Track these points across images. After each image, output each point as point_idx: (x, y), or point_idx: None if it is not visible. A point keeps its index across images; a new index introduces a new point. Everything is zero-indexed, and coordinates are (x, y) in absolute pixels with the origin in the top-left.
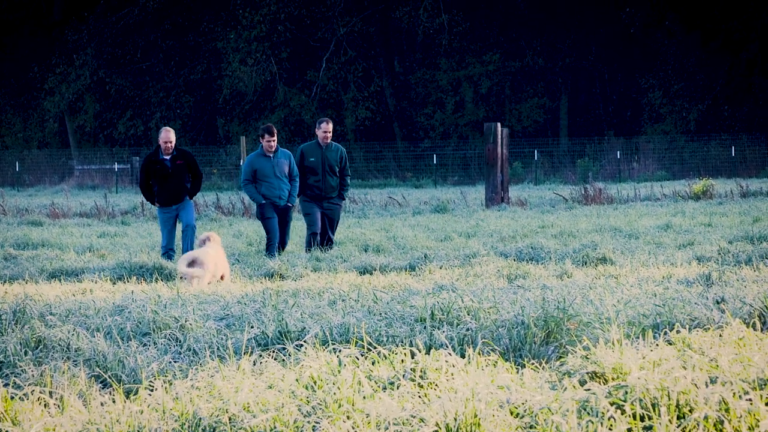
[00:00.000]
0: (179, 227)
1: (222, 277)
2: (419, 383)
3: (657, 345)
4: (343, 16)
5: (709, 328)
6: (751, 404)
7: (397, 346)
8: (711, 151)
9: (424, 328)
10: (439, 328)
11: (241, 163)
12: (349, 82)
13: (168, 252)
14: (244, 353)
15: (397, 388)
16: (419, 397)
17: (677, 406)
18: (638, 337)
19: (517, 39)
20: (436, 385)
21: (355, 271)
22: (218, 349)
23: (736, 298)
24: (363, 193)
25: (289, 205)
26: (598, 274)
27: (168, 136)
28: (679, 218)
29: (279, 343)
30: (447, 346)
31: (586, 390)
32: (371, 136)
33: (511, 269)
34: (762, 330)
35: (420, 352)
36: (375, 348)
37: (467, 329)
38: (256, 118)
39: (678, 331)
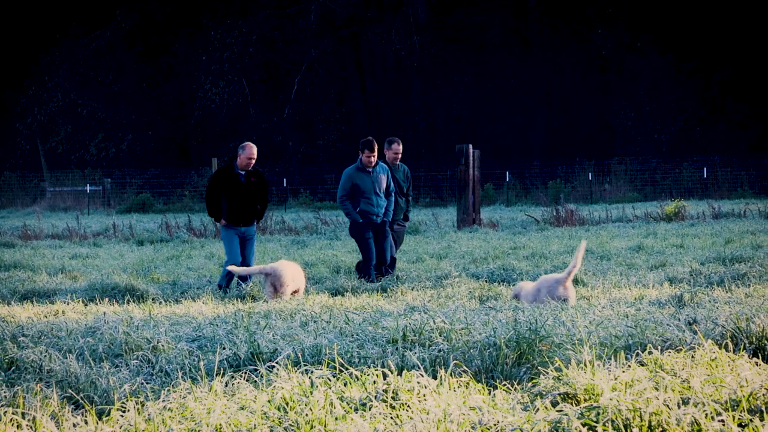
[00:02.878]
0: None
1: (297, 291)
2: (391, 404)
3: (629, 366)
4: (314, 38)
5: (681, 350)
6: (723, 425)
7: (369, 367)
8: (683, 172)
9: (396, 349)
10: (411, 350)
11: None
12: (321, 104)
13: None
14: (217, 374)
15: (369, 409)
16: (391, 418)
17: (649, 427)
18: (610, 359)
19: (488, 60)
20: (408, 406)
21: (326, 293)
22: (190, 370)
23: (708, 319)
24: (334, 215)
25: (386, 220)
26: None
27: (253, 152)
28: (650, 240)
29: (251, 365)
30: (419, 367)
31: (558, 411)
32: (343, 158)
33: (483, 290)
34: (734, 351)
35: (392, 373)
36: (347, 369)
37: (439, 350)
38: (228, 139)
39: (650, 353)
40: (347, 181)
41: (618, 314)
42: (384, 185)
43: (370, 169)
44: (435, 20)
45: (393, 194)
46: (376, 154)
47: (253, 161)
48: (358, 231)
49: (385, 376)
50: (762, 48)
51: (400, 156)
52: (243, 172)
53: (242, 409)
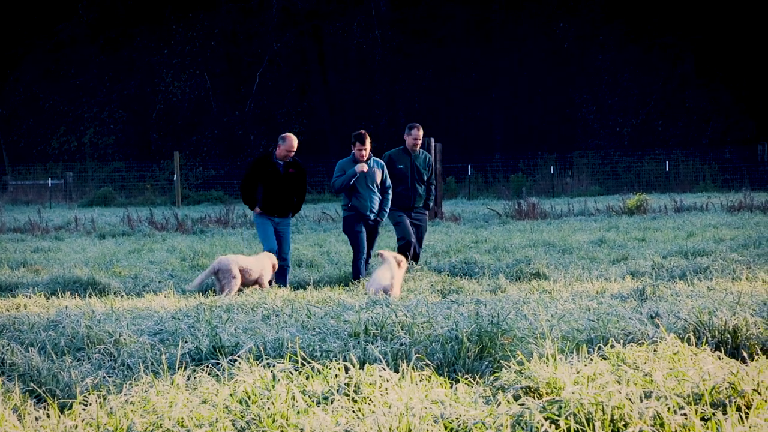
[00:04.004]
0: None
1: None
2: (353, 398)
3: (591, 360)
4: (276, 32)
5: (643, 343)
6: (685, 419)
7: (331, 360)
8: (645, 166)
9: (358, 342)
10: (373, 343)
11: (175, 178)
12: (283, 98)
13: (282, 267)
14: (179, 368)
15: (331, 402)
16: (353, 411)
17: (612, 420)
18: (572, 352)
19: (450, 53)
20: (371, 399)
21: (288, 286)
22: (152, 364)
23: (670, 312)
24: None
25: (379, 220)
26: (531, 288)
27: (293, 144)
28: (612, 233)
29: (213, 358)
30: (381, 361)
31: (520, 405)
32: (305, 152)
33: (445, 284)
34: (697, 345)
35: (354, 366)
36: (309, 363)
37: (401, 344)
38: (190, 133)
39: (612, 346)
40: (340, 169)
41: (580, 308)
42: (378, 180)
43: (363, 162)
44: (397, 14)
45: (389, 192)
46: (367, 147)
47: (293, 153)
48: (349, 225)
49: (347, 369)
50: (722, 41)
51: (420, 142)
52: (281, 162)
53: (204, 402)
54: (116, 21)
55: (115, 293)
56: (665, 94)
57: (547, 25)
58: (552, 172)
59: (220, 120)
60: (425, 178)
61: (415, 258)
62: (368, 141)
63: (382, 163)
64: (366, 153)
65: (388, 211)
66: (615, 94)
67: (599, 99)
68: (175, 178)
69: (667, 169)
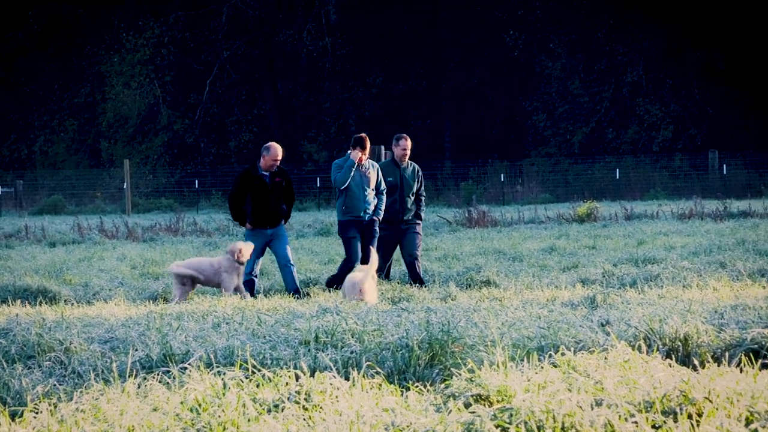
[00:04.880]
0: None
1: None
2: (304, 406)
3: (542, 367)
4: (226, 40)
5: (594, 351)
6: (636, 427)
7: (282, 368)
8: (595, 173)
9: (309, 350)
10: (323, 351)
11: (125, 186)
12: (233, 106)
13: (251, 280)
14: (129, 376)
15: (282, 410)
16: (304, 420)
17: (563, 428)
18: (523, 360)
19: (400, 62)
20: (321, 407)
21: (239, 294)
22: (103, 371)
23: (621, 320)
24: None
25: (375, 219)
26: (482, 296)
27: (278, 154)
28: (563, 241)
29: (163, 366)
30: (332, 369)
31: (471, 412)
32: (255, 159)
33: (395, 292)
34: (648, 352)
35: (305, 374)
36: (260, 371)
37: (352, 352)
38: (140, 141)
39: (563, 354)
40: (337, 168)
41: (530, 315)
42: (373, 182)
43: (360, 165)
44: (347, 22)
45: (384, 193)
46: (367, 151)
47: (278, 163)
48: (343, 230)
49: (297, 377)
50: (672, 48)
51: (408, 153)
52: (267, 173)
53: (155, 410)
54: (66, 29)
55: (65, 301)
56: (615, 101)
57: (496, 33)
58: (502, 179)
59: (170, 128)
60: (414, 190)
61: (413, 268)
62: (368, 145)
63: (377, 165)
64: (365, 157)
65: (383, 211)
66: (565, 102)
67: (549, 107)
68: (125, 186)
69: (617, 177)
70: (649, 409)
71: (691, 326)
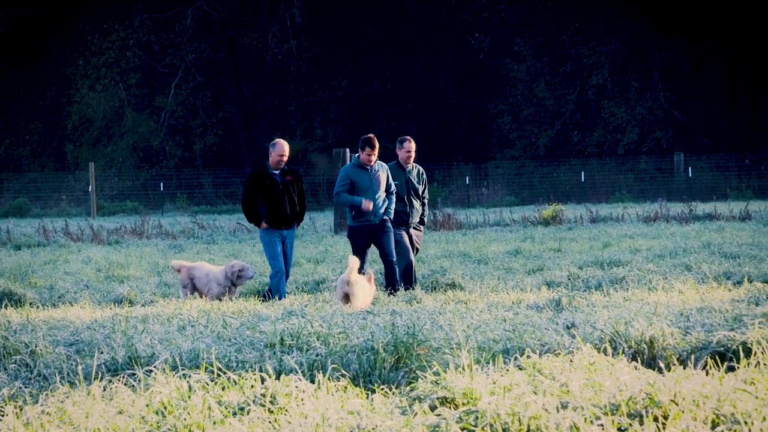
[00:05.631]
0: None
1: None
2: (269, 408)
3: (507, 370)
4: (191, 43)
5: (559, 354)
6: (602, 429)
7: (247, 371)
8: (560, 176)
9: (274, 353)
10: (288, 354)
11: (90, 189)
12: (198, 108)
13: (280, 276)
14: (95, 379)
15: (248, 413)
16: (269, 422)
17: (528, 431)
18: (489, 363)
19: (365, 64)
20: (287, 410)
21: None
22: (68, 374)
23: (586, 323)
24: (212, 219)
25: (385, 218)
26: (447, 299)
27: (283, 149)
28: (528, 244)
29: (129, 369)
30: (297, 372)
31: (436, 415)
32: (220, 162)
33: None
34: (613, 355)
35: (270, 377)
36: (225, 373)
37: (317, 354)
38: (105, 144)
39: (528, 357)
40: (344, 179)
41: (496, 318)
42: (383, 184)
43: (369, 167)
44: (311, 24)
45: (393, 194)
46: (376, 152)
47: (285, 158)
48: (354, 236)
49: (263, 380)
50: (637, 51)
51: (413, 155)
52: (277, 172)
53: (120, 413)
54: (31, 32)
55: (30, 304)
56: (580, 104)
57: (461, 35)
58: (467, 182)
59: (135, 131)
60: (420, 192)
61: (409, 272)
62: (377, 146)
63: (386, 165)
64: (374, 158)
65: (393, 210)
66: (530, 105)
67: (514, 109)
68: (90, 189)
69: (582, 180)
70: (614, 411)
71: (656, 329)
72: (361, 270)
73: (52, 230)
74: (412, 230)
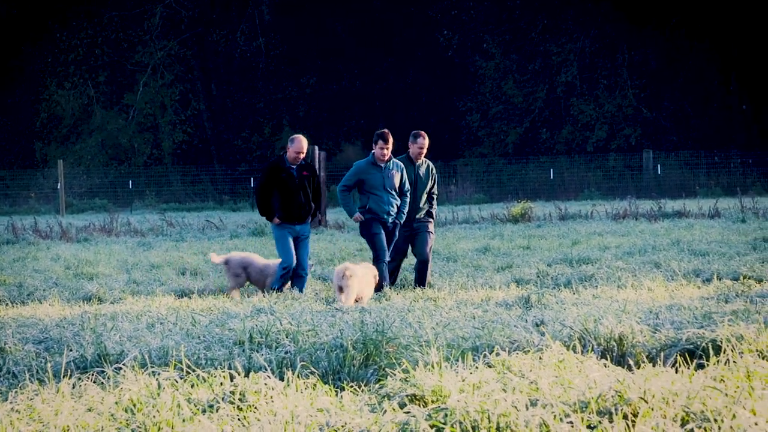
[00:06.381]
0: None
1: (360, 298)
2: (239, 406)
3: (477, 368)
4: (160, 40)
5: (529, 351)
6: (572, 427)
7: (216, 368)
8: (529, 174)
9: (243, 350)
10: (258, 351)
11: (59, 187)
12: (167, 106)
13: (289, 270)
14: (64, 376)
15: (217, 410)
16: (239, 420)
17: (498, 428)
18: (458, 360)
19: (334, 62)
20: (256, 408)
21: (173, 295)
22: (38, 372)
23: (555, 320)
24: (180, 216)
25: (397, 222)
26: (416, 297)
27: (302, 146)
28: (497, 241)
29: (98, 366)
30: (266, 369)
31: (405, 413)
32: (189, 160)
33: (330, 292)
34: (583, 353)
35: (239, 374)
36: (194, 371)
37: (286, 352)
38: (74, 141)
39: (498, 354)
40: (354, 175)
41: (465, 316)
42: (397, 183)
43: (382, 164)
44: (280, 22)
45: (408, 194)
46: (390, 147)
47: (302, 155)
48: (366, 228)
49: (232, 377)
50: (606, 48)
51: (425, 151)
52: (294, 166)
53: (90, 410)
54: (0, 30)
55: None
56: (549, 101)
57: (430, 33)
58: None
59: (104, 128)
60: (428, 188)
61: (424, 268)
62: (391, 140)
63: (402, 165)
64: (388, 153)
65: (405, 213)
66: (499, 102)
67: (483, 107)
68: (59, 187)
69: (551, 177)
70: (584, 409)
71: (626, 326)
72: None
73: (21, 228)
74: (417, 225)
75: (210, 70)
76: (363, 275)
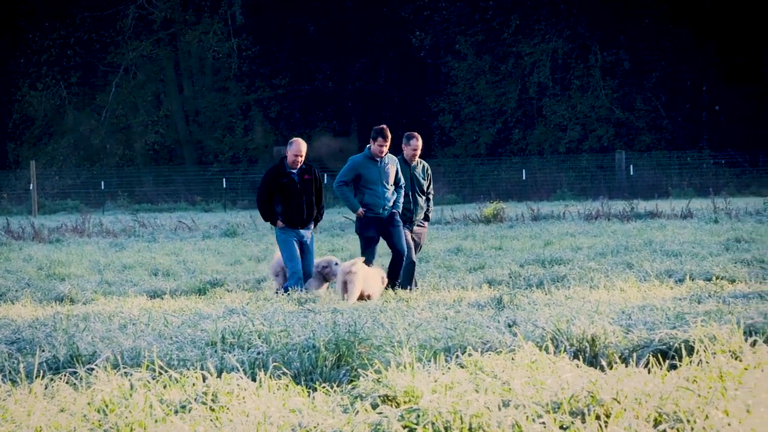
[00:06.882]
0: None
1: (369, 296)
2: (211, 407)
3: (449, 368)
4: (132, 41)
5: (501, 352)
6: (544, 427)
7: (189, 369)
8: (502, 174)
9: (216, 351)
10: (230, 352)
11: (31, 188)
12: (139, 106)
13: (297, 278)
14: (36, 377)
15: (189, 411)
16: (211, 420)
17: (470, 429)
18: (430, 361)
19: (306, 63)
20: (228, 408)
21: (145, 295)
22: (10, 372)
23: (528, 321)
24: (153, 217)
25: (394, 211)
26: (388, 297)
27: (300, 148)
28: (469, 242)
29: (71, 367)
30: (238, 370)
31: (378, 413)
32: (161, 161)
33: (302, 293)
34: (555, 353)
35: (211, 375)
36: (166, 371)
37: (258, 353)
38: (46, 142)
39: (470, 355)
40: (351, 170)
41: (437, 316)
42: (392, 177)
43: (379, 159)
44: (252, 23)
45: (402, 188)
46: (388, 144)
47: (302, 158)
48: (363, 228)
49: (204, 378)
50: (577, 49)
51: (419, 152)
52: (295, 171)
53: (62, 411)
54: None
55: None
56: (522, 102)
57: (402, 34)
58: None
59: (76, 129)
60: (425, 188)
61: (411, 272)
62: (390, 137)
63: (395, 159)
64: (386, 150)
65: (401, 204)
66: (471, 103)
67: (455, 107)
68: (31, 188)
69: (524, 178)
70: (556, 409)
71: (598, 327)
72: (369, 264)
73: None
74: (415, 227)
75: (182, 70)
76: (370, 274)
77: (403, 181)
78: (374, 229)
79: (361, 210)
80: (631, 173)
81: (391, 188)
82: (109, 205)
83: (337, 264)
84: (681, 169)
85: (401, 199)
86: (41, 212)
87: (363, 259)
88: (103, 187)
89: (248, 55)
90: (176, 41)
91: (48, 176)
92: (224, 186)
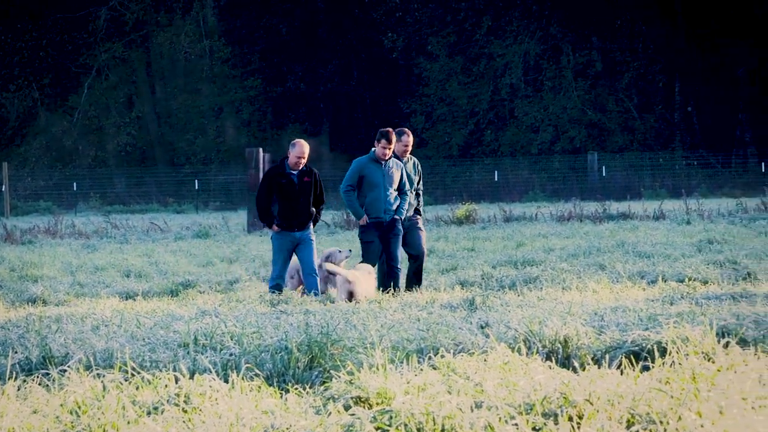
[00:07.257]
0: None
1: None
2: (184, 408)
3: (422, 370)
4: (104, 42)
5: (474, 353)
6: (517, 429)
7: (161, 371)
8: (474, 175)
9: (188, 353)
10: (202, 353)
11: (3, 189)
12: (111, 108)
13: (278, 284)
14: (9, 378)
15: (162, 413)
16: (184, 422)
17: (443, 430)
18: (403, 362)
19: (278, 64)
20: (201, 410)
21: (117, 297)
22: None
23: (500, 322)
24: (124, 218)
25: (396, 217)
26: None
27: (303, 150)
28: (442, 243)
29: (43, 369)
30: (211, 371)
31: (351, 415)
32: (133, 162)
33: (274, 294)
34: (528, 354)
35: (184, 377)
36: (139, 373)
37: (231, 354)
38: (18, 144)
39: (443, 356)
40: (355, 173)
41: (410, 318)
42: (396, 181)
43: (383, 162)
44: (225, 24)
45: (407, 194)
46: (393, 147)
47: (304, 160)
48: (362, 233)
49: (177, 379)
50: (549, 51)
51: (410, 149)
52: (295, 172)
53: (35, 412)
54: None
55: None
56: (494, 103)
57: (375, 35)
58: None
59: (48, 130)
60: (416, 184)
61: (419, 264)
62: (395, 140)
63: (401, 164)
64: (390, 152)
65: (405, 211)
66: (444, 104)
67: (427, 109)
68: (3, 189)
69: (496, 179)
70: (529, 411)
71: (571, 328)
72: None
73: None
74: (408, 222)
75: (154, 72)
76: (363, 278)
77: (408, 186)
78: (375, 234)
79: (364, 218)
80: (604, 174)
81: (395, 193)
82: (81, 207)
83: (341, 252)
84: (653, 171)
85: (405, 206)
86: (13, 214)
87: (368, 266)
88: (75, 189)
89: (220, 57)
90: (148, 43)
91: (20, 177)
92: (196, 187)
